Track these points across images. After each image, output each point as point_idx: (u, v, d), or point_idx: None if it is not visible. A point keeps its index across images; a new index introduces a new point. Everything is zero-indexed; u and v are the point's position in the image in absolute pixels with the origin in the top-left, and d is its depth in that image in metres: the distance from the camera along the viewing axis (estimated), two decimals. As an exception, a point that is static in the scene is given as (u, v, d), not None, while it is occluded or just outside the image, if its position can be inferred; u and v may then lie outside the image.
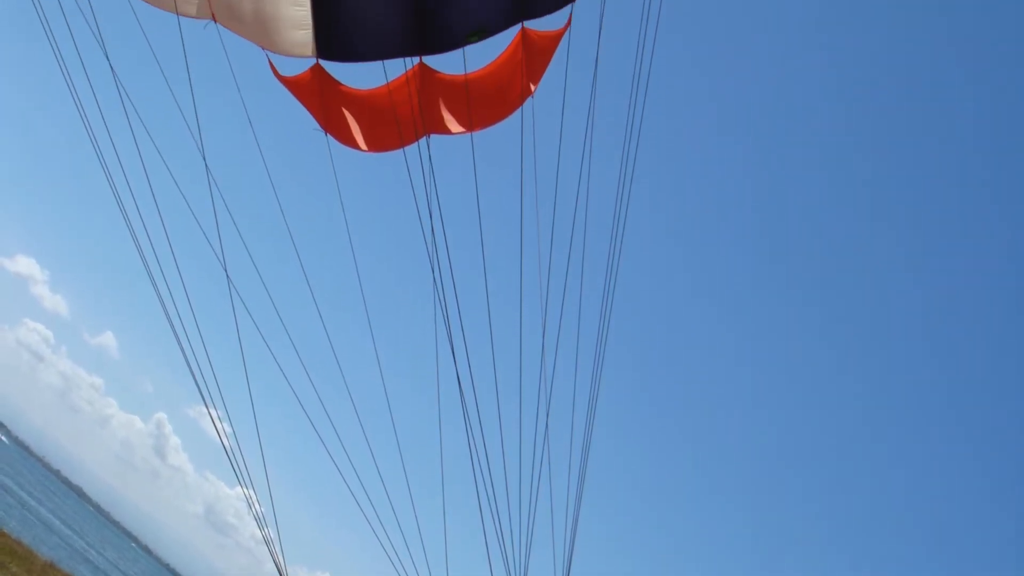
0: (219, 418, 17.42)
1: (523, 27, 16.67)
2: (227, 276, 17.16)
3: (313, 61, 16.73)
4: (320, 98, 17.34)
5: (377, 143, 17.89)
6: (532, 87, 17.32)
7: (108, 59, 16.51)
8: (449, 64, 17.14)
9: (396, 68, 16.95)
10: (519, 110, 17.49)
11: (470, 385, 17.09)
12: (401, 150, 17.15)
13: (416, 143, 17.06)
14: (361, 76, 17.43)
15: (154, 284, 16.12)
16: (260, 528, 17.43)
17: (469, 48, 16.70)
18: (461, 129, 17.56)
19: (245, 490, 17.74)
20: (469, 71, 17.08)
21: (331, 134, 17.72)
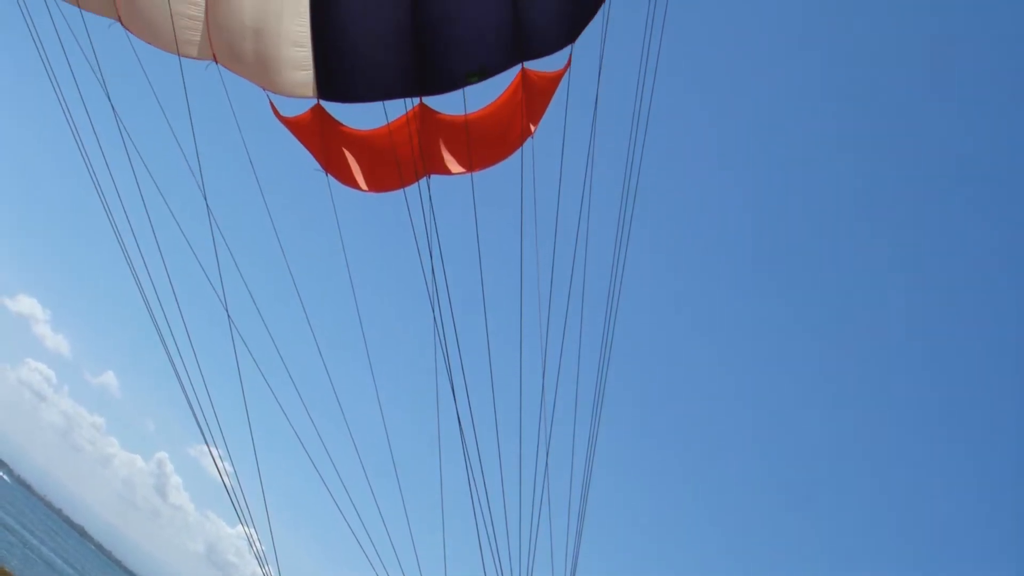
0: (220, 457, 17.45)
1: (523, 68, 16.77)
2: (228, 315, 17.20)
3: (314, 102, 16.83)
4: (321, 138, 17.43)
5: (377, 183, 17.96)
6: (532, 128, 17.38)
7: (109, 98, 16.62)
8: (449, 105, 17.24)
9: (396, 108, 17.05)
10: (519, 150, 17.55)
11: (470, 423, 17.10)
12: (401, 190, 17.24)
13: (416, 183, 17.15)
14: (362, 116, 17.54)
15: (155, 323, 16.18)
16: (261, 566, 17.41)
17: (469, 88, 16.79)
18: (461, 169, 17.62)
19: (246, 528, 17.74)
20: (469, 112, 17.16)
21: (332, 174, 17.78)
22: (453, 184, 17.93)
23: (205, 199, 16.85)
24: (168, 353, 16.43)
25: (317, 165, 17.75)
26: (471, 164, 17.57)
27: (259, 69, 16.42)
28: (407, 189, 17.18)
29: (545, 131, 17.74)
